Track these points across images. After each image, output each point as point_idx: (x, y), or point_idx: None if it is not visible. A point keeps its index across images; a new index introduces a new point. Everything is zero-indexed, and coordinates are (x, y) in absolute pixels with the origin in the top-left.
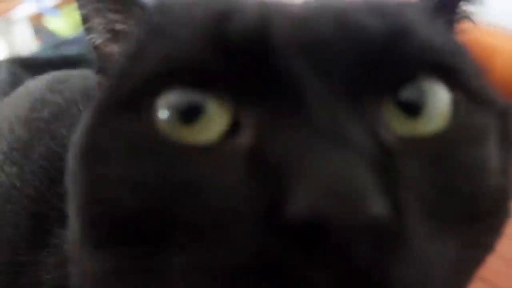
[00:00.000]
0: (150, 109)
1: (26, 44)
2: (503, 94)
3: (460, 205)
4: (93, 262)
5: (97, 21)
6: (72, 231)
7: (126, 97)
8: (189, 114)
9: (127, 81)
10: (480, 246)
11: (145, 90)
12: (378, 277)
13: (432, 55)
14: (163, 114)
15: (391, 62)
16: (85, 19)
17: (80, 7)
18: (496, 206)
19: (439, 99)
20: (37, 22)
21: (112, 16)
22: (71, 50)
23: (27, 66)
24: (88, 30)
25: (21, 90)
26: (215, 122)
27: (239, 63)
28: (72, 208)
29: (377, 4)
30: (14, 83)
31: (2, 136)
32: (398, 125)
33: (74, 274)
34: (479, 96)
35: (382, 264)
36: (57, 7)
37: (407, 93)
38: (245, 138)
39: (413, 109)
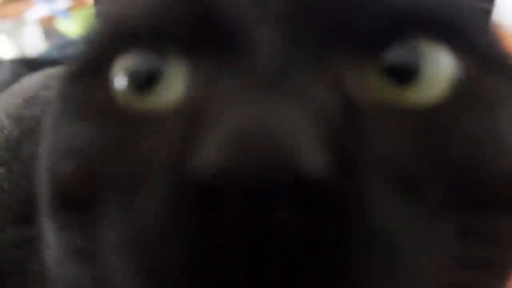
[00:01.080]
0: (105, 75)
1: (36, 46)
2: None
3: (459, 184)
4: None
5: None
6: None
7: (83, 63)
8: (145, 81)
9: (87, 46)
10: (493, 245)
11: (100, 54)
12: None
13: (427, 10)
14: (119, 82)
15: (370, 13)
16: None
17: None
18: (509, 190)
19: (439, 64)
20: (48, 25)
21: None
22: (77, 51)
23: (32, 67)
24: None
25: (15, 87)
26: (171, 86)
27: (192, 19)
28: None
29: None
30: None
31: None
32: (385, 93)
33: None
34: (494, 62)
35: (315, 233)
36: (69, 9)
37: (396, 55)
38: (191, 98)
39: (405, 75)
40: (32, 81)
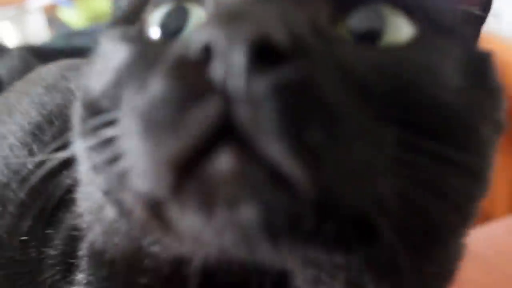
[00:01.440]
0: (142, 22)
1: (39, 34)
2: None
3: (400, 100)
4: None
5: None
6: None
7: (126, 13)
8: (176, 27)
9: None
10: (436, 171)
11: (139, 6)
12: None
13: None
14: (154, 33)
15: None
16: None
17: None
18: (452, 127)
19: (399, 28)
20: (51, 13)
21: None
22: (83, 42)
23: (38, 55)
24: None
25: (33, 75)
26: (192, 24)
27: None
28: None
29: None
30: (26, 70)
31: (13, 119)
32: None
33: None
34: (445, 30)
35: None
36: None
37: (365, 20)
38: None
39: (371, 37)
40: (50, 71)
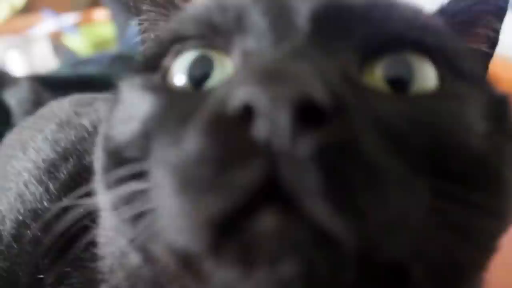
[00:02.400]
0: (164, 70)
1: (46, 61)
2: None
3: (432, 151)
4: (106, 197)
5: (152, 33)
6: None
7: (147, 60)
8: (199, 80)
9: (150, 49)
10: (462, 217)
11: (161, 53)
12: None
13: (415, 31)
14: (178, 79)
15: (368, 28)
16: (144, 31)
17: (141, 20)
18: (479, 173)
19: (425, 75)
20: (56, 40)
21: (163, 26)
22: (88, 70)
23: (46, 84)
24: (144, 39)
25: (45, 111)
26: (218, 74)
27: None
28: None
29: None
30: (36, 102)
31: (27, 156)
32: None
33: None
34: (465, 75)
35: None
36: (76, 25)
37: (392, 67)
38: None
39: (399, 84)
40: (62, 106)
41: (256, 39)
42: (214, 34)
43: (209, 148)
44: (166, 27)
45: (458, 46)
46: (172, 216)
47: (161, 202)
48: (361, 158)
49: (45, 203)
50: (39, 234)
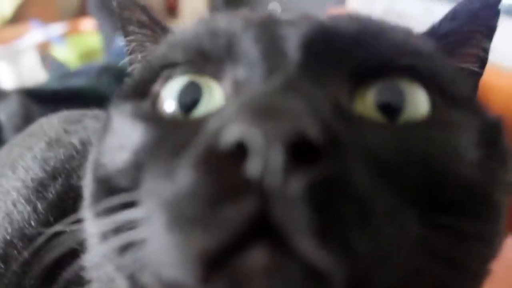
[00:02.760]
0: (154, 96)
1: (34, 72)
2: None
3: (423, 182)
4: (95, 225)
5: (140, 54)
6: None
7: (136, 85)
8: (189, 106)
9: (139, 73)
10: (454, 247)
11: (150, 78)
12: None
13: (406, 57)
14: (168, 105)
15: (359, 55)
16: (131, 52)
17: (129, 41)
18: (472, 201)
19: (417, 101)
20: (43, 50)
21: (151, 47)
22: (77, 82)
23: (35, 98)
24: (132, 61)
25: (35, 128)
26: (209, 101)
27: (222, 50)
28: (86, 193)
29: (360, 16)
30: (26, 116)
31: (16, 174)
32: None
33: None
34: (458, 100)
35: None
36: (64, 35)
37: (383, 93)
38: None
39: (390, 111)
40: (52, 124)
41: (247, 69)
42: (204, 61)
43: (201, 184)
44: (155, 51)
45: (450, 70)
46: (163, 249)
47: (152, 235)
48: (351, 194)
49: (33, 223)
50: (26, 254)
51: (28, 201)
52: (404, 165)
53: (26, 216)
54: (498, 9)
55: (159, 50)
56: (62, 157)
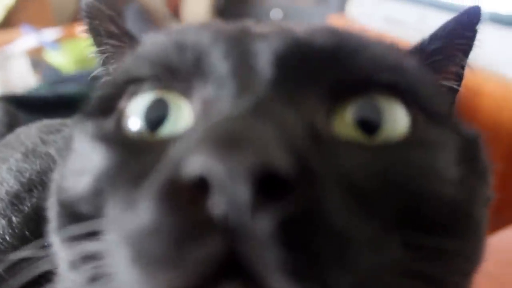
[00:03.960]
0: (119, 113)
1: (24, 78)
2: (489, 134)
3: (402, 204)
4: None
5: (112, 66)
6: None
7: (101, 102)
8: (156, 123)
9: (103, 88)
10: (436, 262)
11: (115, 94)
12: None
13: (385, 73)
14: (132, 124)
15: (336, 71)
16: (103, 63)
17: (100, 52)
18: (452, 219)
19: (396, 118)
20: (36, 56)
21: (121, 59)
22: (69, 88)
23: (23, 105)
24: (104, 73)
25: (12, 138)
26: (175, 119)
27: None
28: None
29: (338, 31)
30: (10, 124)
31: None
32: (351, 134)
33: None
34: (438, 117)
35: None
36: (58, 41)
37: (362, 110)
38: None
39: (369, 127)
40: (29, 133)
41: (215, 86)
42: (172, 77)
43: (162, 221)
44: (121, 64)
45: (431, 87)
46: (129, 286)
47: (117, 270)
48: (326, 228)
49: (7, 237)
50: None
51: (3, 214)
52: (382, 188)
53: (0, 230)
54: (476, 29)
55: (124, 64)
56: (39, 168)
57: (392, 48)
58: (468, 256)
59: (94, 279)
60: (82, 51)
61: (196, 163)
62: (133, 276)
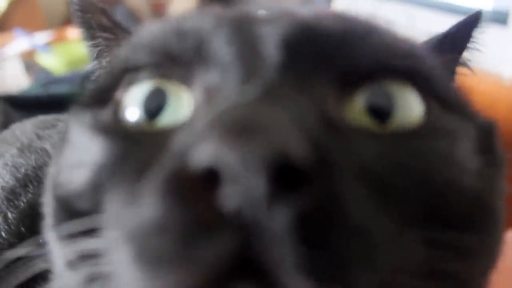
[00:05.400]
0: (116, 103)
1: (17, 80)
2: (502, 143)
3: (422, 197)
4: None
5: (105, 60)
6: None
7: (97, 92)
8: (154, 112)
9: (100, 79)
10: (458, 259)
11: (111, 84)
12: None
13: (398, 58)
14: (131, 114)
15: (346, 56)
16: (96, 57)
17: (93, 46)
18: (473, 213)
19: (409, 105)
20: (29, 58)
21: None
22: (61, 89)
23: (16, 105)
24: (97, 66)
25: (7, 134)
26: (175, 108)
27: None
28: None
29: (346, 16)
30: (5, 123)
31: None
32: (364, 122)
33: None
34: (453, 106)
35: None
36: (49, 44)
37: (373, 97)
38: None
39: (382, 114)
40: (25, 129)
41: (219, 73)
42: (171, 64)
43: (169, 216)
44: (117, 54)
45: (443, 76)
46: (131, 286)
47: (118, 269)
48: (348, 223)
49: (3, 234)
50: None
51: None
52: (402, 180)
53: None
54: (476, 32)
55: (121, 53)
56: (34, 163)
57: (401, 34)
58: (489, 252)
59: (93, 278)
60: (73, 53)
61: (205, 153)
62: (136, 275)
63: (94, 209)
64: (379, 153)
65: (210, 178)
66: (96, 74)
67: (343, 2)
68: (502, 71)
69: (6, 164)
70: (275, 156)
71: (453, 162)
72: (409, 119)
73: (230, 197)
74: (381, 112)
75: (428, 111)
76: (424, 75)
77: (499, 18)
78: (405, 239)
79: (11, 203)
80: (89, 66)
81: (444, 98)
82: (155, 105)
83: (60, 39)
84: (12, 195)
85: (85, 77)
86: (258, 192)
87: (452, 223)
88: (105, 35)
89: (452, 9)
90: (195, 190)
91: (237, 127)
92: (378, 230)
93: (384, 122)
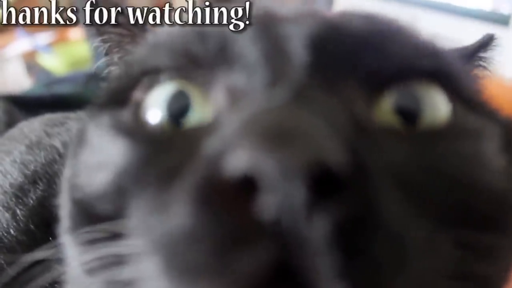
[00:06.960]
0: (135, 104)
1: (19, 81)
2: None
3: (453, 198)
4: (75, 255)
5: (116, 55)
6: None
7: (114, 92)
8: (178, 115)
9: (117, 79)
10: (486, 259)
11: (129, 84)
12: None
13: (425, 59)
14: (153, 116)
15: (374, 57)
16: (106, 53)
17: (103, 41)
18: (502, 213)
19: (437, 105)
20: (30, 59)
21: (128, 47)
22: (63, 89)
23: (19, 105)
24: (108, 62)
25: (15, 132)
26: (198, 110)
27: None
28: (63, 212)
29: (371, 16)
30: (10, 122)
31: None
32: (393, 122)
33: None
34: (476, 105)
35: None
36: (51, 45)
37: (401, 98)
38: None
39: (409, 115)
40: (32, 127)
41: (245, 74)
42: (193, 67)
43: (203, 225)
44: (134, 53)
45: (467, 76)
46: None
47: (145, 277)
48: (385, 231)
49: (12, 231)
50: (5, 266)
51: (7, 207)
52: (432, 181)
53: (4, 223)
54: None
55: (138, 53)
56: (43, 160)
57: (427, 36)
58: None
59: (113, 285)
60: (74, 54)
61: (241, 160)
62: (165, 285)
63: (116, 214)
64: (408, 155)
65: (247, 186)
66: (107, 70)
67: (344, 3)
68: (504, 71)
69: (15, 161)
70: (313, 163)
71: (481, 161)
72: (437, 120)
73: (269, 205)
74: (409, 113)
75: (454, 111)
76: (449, 75)
77: (500, 20)
78: (437, 242)
79: (20, 200)
80: (93, 65)
81: (468, 98)
82: (178, 107)
83: (61, 40)
84: (20, 192)
85: (91, 76)
86: (297, 201)
87: (480, 223)
88: (118, 30)
89: (454, 10)
90: (230, 198)
91: (273, 134)
92: (413, 236)
93: (411, 123)
